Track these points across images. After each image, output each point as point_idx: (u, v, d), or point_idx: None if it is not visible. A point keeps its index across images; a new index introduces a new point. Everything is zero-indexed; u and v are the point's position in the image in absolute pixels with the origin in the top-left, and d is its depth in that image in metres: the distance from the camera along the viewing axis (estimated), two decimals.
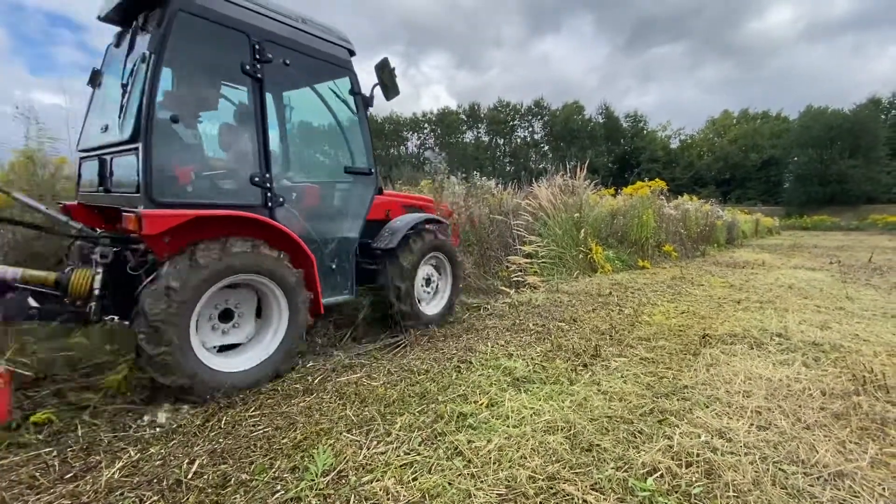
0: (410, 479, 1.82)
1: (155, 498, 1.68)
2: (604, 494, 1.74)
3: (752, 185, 50.37)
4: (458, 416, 2.35)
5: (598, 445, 2.08)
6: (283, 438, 2.11)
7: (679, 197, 13.65)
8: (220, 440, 2.09)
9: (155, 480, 1.78)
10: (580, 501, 1.70)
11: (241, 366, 2.69)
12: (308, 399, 2.54)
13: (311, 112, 3.59)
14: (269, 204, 2.92)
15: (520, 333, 3.91)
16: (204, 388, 2.47)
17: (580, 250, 7.70)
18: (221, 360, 2.66)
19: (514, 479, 1.82)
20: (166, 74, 2.59)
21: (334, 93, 3.48)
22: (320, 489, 1.75)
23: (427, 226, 4.05)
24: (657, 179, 10.85)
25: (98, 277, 2.58)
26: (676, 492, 1.76)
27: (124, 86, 2.68)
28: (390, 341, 3.64)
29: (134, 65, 2.67)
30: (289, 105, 3.58)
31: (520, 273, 6.60)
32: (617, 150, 59.80)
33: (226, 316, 2.77)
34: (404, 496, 1.71)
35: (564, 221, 7.81)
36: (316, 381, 2.80)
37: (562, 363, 3.16)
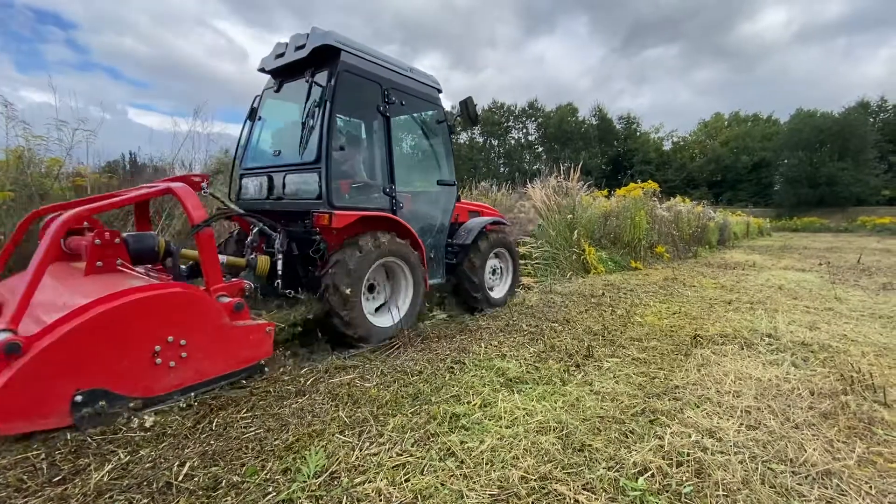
0: (403, 480, 1.82)
1: (145, 501, 1.66)
2: (595, 494, 1.75)
3: (743, 187, 50.87)
4: (450, 417, 2.35)
5: (589, 445, 2.10)
6: (275, 440, 2.10)
7: (671, 198, 13.75)
8: (212, 442, 2.08)
9: (145, 483, 1.76)
10: (572, 501, 1.71)
11: (386, 323, 3.73)
12: (300, 400, 2.53)
13: (413, 137, 4.61)
14: (394, 208, 3.89)
15: (513, 334, 3.92)
16: (371, 338, 3.50)
17: (573, 251, 7.74)
18: (375, 318, 3.70)
19: (506, 479, 1.83)
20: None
21: (425, 122, 4.46)
22: (312, 491, 1.74)
23: (494, 227, 4.99)
24: (650, 181, 10.93)
25: (280, 262, 3.50)
26: (667, 491, 1.78)
27: (303, 124, 3.54)
28: (383, 342, 3.63)
29: (308, 108, 3.53)
30: (399, 132, 4.40)
31: None
32: (610, 152, 60.15)
33: (370, 288, 3.79)
34: (396, 497, 1.71)
35: (558, 223, 7.86)
36: (308, 382, 2.79)
37: (554, 364, 3.18)
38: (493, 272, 5.13)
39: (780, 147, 46.44)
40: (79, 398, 2.08)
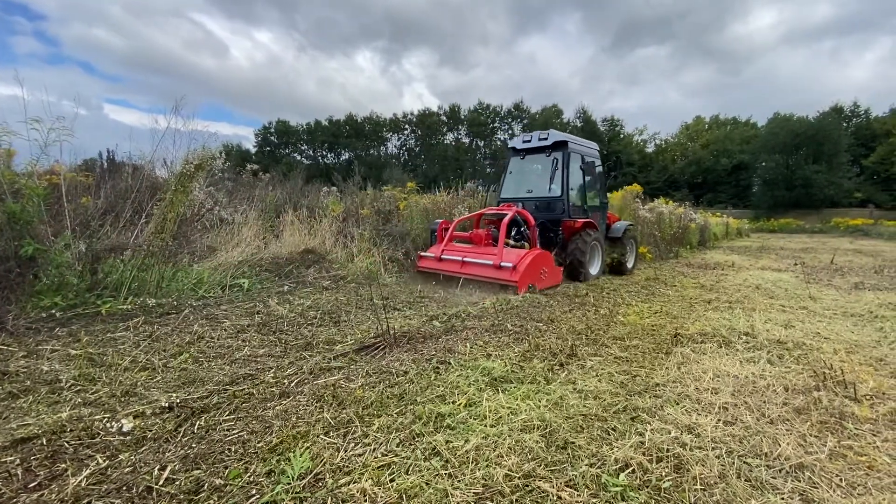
0: (388, 480, 1.83)
1: None
2: (578, 491, 1.78)
3: (723, 189, 51.98)
4: (436, 417, 2.36)
5: (572, 443, 2.13)
6: (259, 442, 2.08)
7: (654, 200, 13.98)
8: (193, 445, 2.05)
9: (124, 488, 1.73)
10: (555, 498, 1.73)
11: (594, 272, 7.26)
12: (284, 402, 2.51)
13: (589, 177, 7.62)
14: (588, 217, 7.35)
15: (498, 334, 3.95)
16: (590, 277, 7.15)
17: None
18: (591, 269, 7.20)
19: (490, 477, 1.85)
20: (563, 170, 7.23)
21: (594, 168, 7.53)
22: (296, 493, 1.73)
23: (629, 227, 8.55)
24: (633, 183, 11.10)
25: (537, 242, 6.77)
26: (647, 486, 1.82)
27: (550, 177, 7.29)
28: (369, 343, 3.62)
29: (552, 168, 7.26)
30: (585, 176, 7.61)
31: None
32: None
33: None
34: (381, 497, 1.71)
35: None
36: (293, 384, 2.77)
37: (539, 363, 3.21)
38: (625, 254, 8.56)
39: (758, 150, 47.52)
40: (530, 286, 5.71)
